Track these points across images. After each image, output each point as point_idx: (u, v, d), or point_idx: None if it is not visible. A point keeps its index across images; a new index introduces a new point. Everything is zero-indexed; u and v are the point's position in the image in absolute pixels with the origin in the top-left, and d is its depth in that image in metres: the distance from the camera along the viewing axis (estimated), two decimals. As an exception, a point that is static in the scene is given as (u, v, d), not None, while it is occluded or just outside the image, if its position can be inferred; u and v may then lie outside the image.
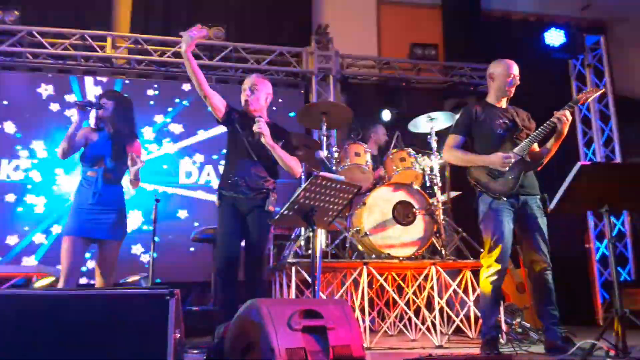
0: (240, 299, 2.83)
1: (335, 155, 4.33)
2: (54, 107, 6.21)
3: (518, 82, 3.30)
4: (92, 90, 6.33)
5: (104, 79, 6.50)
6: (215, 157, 6.45)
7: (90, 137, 3.22)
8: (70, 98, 6.21)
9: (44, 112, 6.18)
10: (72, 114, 3.17)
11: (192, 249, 5.93)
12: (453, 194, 4.77)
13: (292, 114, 4.62)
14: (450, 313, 4.14)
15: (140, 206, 6.06)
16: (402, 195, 4.04)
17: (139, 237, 6.00)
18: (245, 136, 3.15)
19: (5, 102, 6.13)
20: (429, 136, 4.39)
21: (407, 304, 4.20)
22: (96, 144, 3.20)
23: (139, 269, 5.29)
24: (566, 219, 5.79)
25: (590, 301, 6.57)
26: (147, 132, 6.39)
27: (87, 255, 3.63)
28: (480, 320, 3.35)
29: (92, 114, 3.20)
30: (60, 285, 2.96)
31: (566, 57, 7.08)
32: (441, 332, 3.81)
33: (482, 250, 3.28)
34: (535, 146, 3.26)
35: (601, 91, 3.50)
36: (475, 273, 4.04)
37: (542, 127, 3.15)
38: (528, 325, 4.06)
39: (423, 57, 7.34)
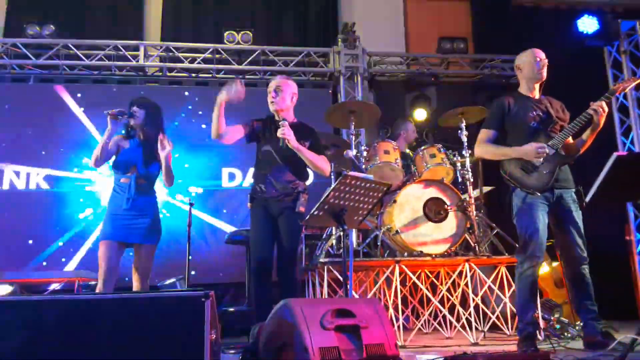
0: (274, 299, 2.90)
1: (365, 153, 4.33)
2: (89, 115, 6.41)
3: (546, 63, 3.23)
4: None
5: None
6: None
7: (122, 145, 3.31)
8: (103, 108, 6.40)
9: (79, 122, 6.38)
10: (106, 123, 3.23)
11: (227, 250, 6.02)
12: (486, 189, 4.71)
13: (320, 114, 4.63)
14: (486, 310, 4.08)
15: (176, 210, 6.20)
16: (433, 192, 4.01)
17: (174, 239, 6.14)
18: (270, 142, 3.17)
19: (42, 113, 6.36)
20: (459, 131, 4.35)
21: (441, 301, 4.17)
22: (128, 151, 3.28)
23: (176, 271, 5.41)
24: (605, 211, 5.62)
25: (631, 295, 6.35)
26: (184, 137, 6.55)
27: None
28: (517, 317, 3.30)
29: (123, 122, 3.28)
30: (98, 288, 3.05)
31: (601, 45, 6.85)
32: (477, 329, 3.77)
33: (517, 245, 3.23)
34: (570, 138, 3.19)
35: (638, 80, 3.40)
36: (511, 269, 3.98)
37: (577, 119, 3.08)
38: (566, 320, 3.97)
39: (452, 51, 7.24)
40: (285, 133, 3.07)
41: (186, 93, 6.72)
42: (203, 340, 1.78)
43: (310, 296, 4.58)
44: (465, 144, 4.28)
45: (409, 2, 7.70)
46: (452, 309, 4.27)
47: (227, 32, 6.75)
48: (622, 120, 6.80)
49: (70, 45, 6.51)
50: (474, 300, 3.85)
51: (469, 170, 4.24)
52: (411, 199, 3.98)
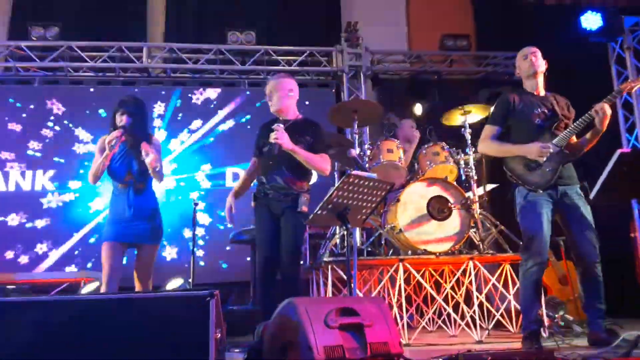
0: (278, 298, 2.93)
1: (368, 152, 4.34)
2: (101, 113, 6.45)
3: (539, 56, 3.24)
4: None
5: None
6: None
7: (113, 152, 3.21)
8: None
9: (88, 122, 6.42)
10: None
11: (232, 249, 6.04)
12: (490, 186, 4.70)
13: (323, 114, 4.65)
14: (490, 308, 4.08)
15: (180, 210, 6.23)
16: (436, 190, 4.01)
17: (178, 240, 6.17)
18: (270, 144, 3.15)
19: (57, 112, 6.40)
20: (463, 129, 4.34)
21: (446, 299, 4.17)
22: (119, 159, 3.23)
23: (180, 271, 5.44)
24: (609, 208, 5.59)
25: (636, 291, 6.33)
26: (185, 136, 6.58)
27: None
28: (521, 315, 3.30)
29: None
30: (102, 289, 3.07)
31: (604, 41, 6.82)
32: (481, 327, 3.77)
33: (521, 243, 3.23)
34: (574, 137, 3.18)
35: None
36: (515, 266, 3.98)
37: (580, 119, 3.07)
38: (571, 318, 3.97)
39: (455, 48, 7.24)
40: (278, 137, 3.06)
41: (190, 94, 6.74)
42: (208, 340, 1.79)
43: (314, 295, 4.59)
44: (469, 141, 4.28)
45: (411, 0, 7.69)
46: (456, 307, 4.26)
47: (230, 33, 6.76)
48: (627, 117, 6.78)
49: (74, 47, 6.54)
50: (478, 298, 3.85)
51: (473, 168, 4.23)
52: (415, 198, 3.98)
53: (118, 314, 1.84)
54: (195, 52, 6.82)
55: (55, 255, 6.04)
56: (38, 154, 6.30)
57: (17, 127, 6.33)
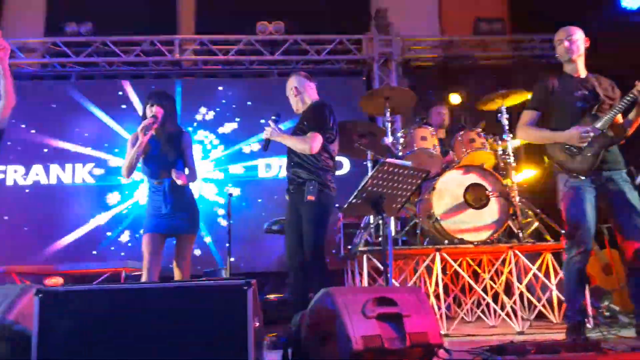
0: (306, 287, 3.04)
1: (401, 140, 4.26)
2: (137, 110, 6.55)
3: (578, 39, 3.11)
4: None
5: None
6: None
7: (145, 149, 3.24)
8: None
9: (124, 116, 6.54)
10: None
11: (266, 239, 6.05)
12: (529, 173, 4.56)
13: (355, 102, 4.59)
14: (531, 298, 3.98)
15: (215, 200, 6.30)
16: (473, 178, 3.91)
17: (215, 230, 6.25)
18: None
19: (90, 109, 6.55)
20: (499, 114, 4.22)
21: (484, 289, 4.08)
22: (153, 155, 3.25)
23: (216, 261, 5.51)
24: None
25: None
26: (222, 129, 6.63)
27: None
28: (564, 305, 3.19)
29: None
30: (143, 278, 3.15)
31: (645, 21, 6.52)
32: (522, 317, 3.67)
33: (562, 231, 3.11)
34: (619, 117, 3.04)
35: None
36: (557, 255, 3.86)
37: (623, 99, 2.94)
38: (617, 308, 3.83)
39: (489, 32, 7.04)
40: (266, 134, 3.24)
41: (220, 88, 6.76)
42: (247, 328, 1.79)
43: (349, 285, 4.57)
44: (506, 127, 4.15)
45: (443, -17, 7.50)
46: (495, 297, 4.17)
47: (259, 23, 6.75)
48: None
49: (108, 42, 6.65)
50: (518, 288, 3.75)
51: (511, 154, 4.11)
52: (451, 186, 3.90)
53: (157, 303, 1.85)
54: (225, 43, 6.84)
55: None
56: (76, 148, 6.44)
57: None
